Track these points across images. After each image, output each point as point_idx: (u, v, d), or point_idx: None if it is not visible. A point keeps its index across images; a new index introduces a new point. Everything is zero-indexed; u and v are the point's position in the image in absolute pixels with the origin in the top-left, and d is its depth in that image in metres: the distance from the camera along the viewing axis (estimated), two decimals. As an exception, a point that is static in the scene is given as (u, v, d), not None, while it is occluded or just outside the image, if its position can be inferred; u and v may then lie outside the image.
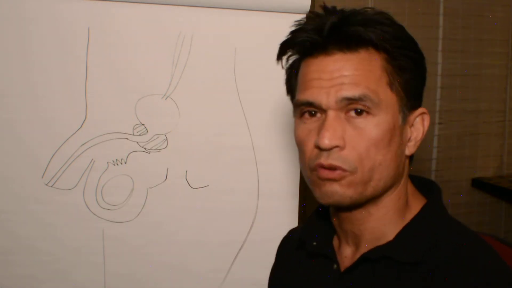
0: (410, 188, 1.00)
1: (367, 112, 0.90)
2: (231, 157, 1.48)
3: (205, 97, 1.46)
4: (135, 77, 1.43)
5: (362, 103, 0.89)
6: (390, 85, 0.91)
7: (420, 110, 0.97)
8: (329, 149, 0.90)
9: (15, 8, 1.38)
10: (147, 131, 1.46)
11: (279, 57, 1.00)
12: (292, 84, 1.01)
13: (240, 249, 1.51)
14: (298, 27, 0.96)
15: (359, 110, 0.90)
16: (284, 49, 0.98)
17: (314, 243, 1.05)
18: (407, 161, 0.99)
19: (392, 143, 0.92)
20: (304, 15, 1.45)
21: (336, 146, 0.90)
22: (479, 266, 0.89)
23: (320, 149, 0.91)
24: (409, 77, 0.93)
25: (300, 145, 0.97)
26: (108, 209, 1.46)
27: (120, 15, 1.42)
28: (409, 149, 0.96)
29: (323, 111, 0.91)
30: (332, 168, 0.90)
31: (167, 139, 1.46)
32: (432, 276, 0.90)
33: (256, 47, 1.46)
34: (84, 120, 1.43)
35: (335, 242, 1.05)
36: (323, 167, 0.91)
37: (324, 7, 0.94)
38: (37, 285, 1.45)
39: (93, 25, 1.41)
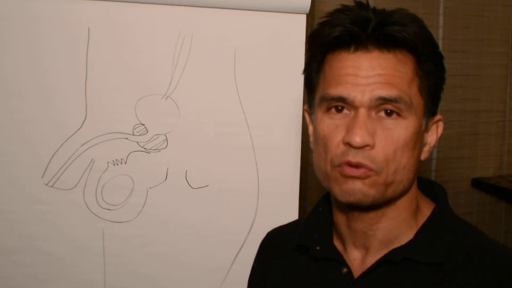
0: (418, 190, 1.00)
1: (398, 114, 0.89)
2: (231, 157, 1.48)
3: (205, 97, 1.46)
4: (135, 77, 1.43)
5: (396, 104, 0.89)
6: (420, 89, 0.91)
7: (438, 116, 0.97)
8: (359, 147, 0.88)
9: (16, 9, 1.38)
10: (147, 131, 1.46)
11: (311, 50, 0.97)
12: (312, 77, 0.98)
13: (240, 249, 1.51)
14: (330, 20, 0.92)
15: (389, 111, 0.89)
16: (317, 40, 0.94)
17: (317, 248, 1.03)
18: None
19: (416, 147, 0.92)
20: (305, 15, 1.45)
21: (367, 145, 0.88)
22: (501, 264, 0.90)
23: (349, 146, 0.89)
24: (435, 81, 0.93)
25: (323, 139, 0.93)
26: (108, 209, 1.46)
27: (120, 15, 1.42)
28: (424, 155, 0.97)
29: (354, 107, 0.90)
30: (359, 166, 0.89)
31: (167, 139, 1.46)
32: (455, 276, 0.90)
33: (256, 47, 1.46)
34: (84, 120, 1.43)
35: (338, 244, 1.03)
36: (350, 164, 0.89)
37: (358, 2, 0.93)
38: (37, 285, 1.45)
39: (93, 25, 1.41)
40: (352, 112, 0.90)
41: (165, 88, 1.45)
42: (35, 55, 1.40)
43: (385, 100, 0.89)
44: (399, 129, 0.89)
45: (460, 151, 2.55)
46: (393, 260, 0.93)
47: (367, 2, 0.93)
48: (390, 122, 0.89)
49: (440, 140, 0.98)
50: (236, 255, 1.51)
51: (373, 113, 0.89)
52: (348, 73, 0.90)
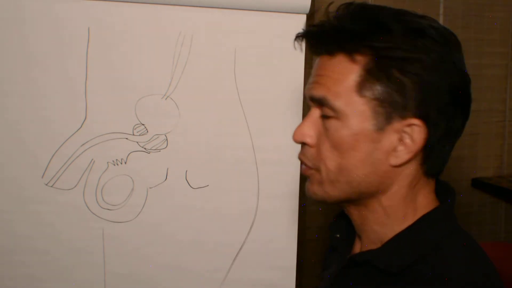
0: (426, 196, 0.98)
1: (331, 115, 0.92)
2: (231, 157, 1.48)
3: (205, 97, 1.46)
4: (135, 77, 1.43)
5: (325, 104, 0.91)
6: (362, 91, 0.90)
7: (410, 120, 0.91)
8: (298, 143, 0.96)
9: (15, 9, 1.38)
10: (147, 131, 1.46)
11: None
12: None
13: (240, 249, 1.51)
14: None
15: (325, 114, 0.92)
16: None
17: (338, 235, 1.06)
18: (407, 171, 0.95)
19: (358, 149, 0.91)
20: (305, 15, 1.45)
21: (304, 143, 0.95)
22: (458, 285, 0.87)
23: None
24: (391, 85, 0.90)
25: None
26: (108, 209, 1.46)
27: (120, 15, 1.42)
28: (395, 160, 0.93)
29: None
30: (302, 163, 0.97)
31: (167, 139, 1.46)
32: None
33: (256, 47, 1.46)
34: (84, 120, 1.43)
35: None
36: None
37: (326, 8, 0.94)
38: (37, 285, 1.45)
39: (93, 25, 1.41)
40: None
41: (165, 88, 1.45)
42: (35, 55, 1.40)
43: (313, 100, 0.93)
44: (333, 130, 0.92)
45: (460, 151, 2.55)
46: (356, 261, 0.94)
47: (325, 9, 0.95)
48: (327, 122, 0.93)
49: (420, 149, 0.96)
50: (236, 255, 1.51)
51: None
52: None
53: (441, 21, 2.45)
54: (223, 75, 1.46)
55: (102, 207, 1.46)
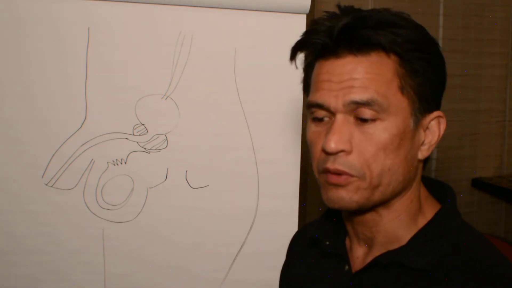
0: (423, 191, 0.99)
1: (376, 117, 0.89)
2: (231, 157, 1.48)
3: (205, 97, 1.46)
4: (135, 77, 1.43)
5: (370, 107, 0.88)
6: (401, 88, 0.90)
7: (436, 113, 0.95)
8: (335, 153, 0.89)
9: (15, 8, 1.38)
10: (147, 131, 1.46)
11: (291, 58, 0.98)
12: (308, 83, 1.00)
13: (240, 249, 1.51)
14: (312, 27, 0.93)
15: (366, 118, 0.89)
16: (296, 51, 0.97)
17: (327, 242, 1.04)
18: (420, 164, 0.97)
19: (402, 147, 0.91)
20: (305, 15, 1.45)
21: (342, 151, 0.89)
22: (492, 277, 0.88)
23: (326, 153, 0.90)
24: (423, 80, 0.91)
25: (310, 147, 0.95)
26: (108, 209, 1.46)
27: (120, 15, 1.42)
28: (422, 153, 0.95)
29: (332, 114, 0.90)
30: (338, 173, 0.89)
31: (167, 139, 1.46)
32: (443, 285, 0.89)
33: (256, 47, 1.46)
34: (84, 120, 1.43)
35: (347, 241, 1.04)
36: (330, 171, 0.90)
37: (339, 7, 0.92)
38: (37, 285, 1.45)
39: (93, 25, 1.41)
40: (332, 119, 0.91)
41: (165, 88, 1.45)
42: (35, 56, 1.40)
43: (358, 104, 0.89)
44: (378, 132, 0.89)
45: (460, 151, 2.55)
46: (382, 263, 0.94)
47: (351, 6, 0.93)
48: (368, 125, 0.89)
49: (440, 140, 0.96)
50: (236, 255, 1.51)
51: (351, 118, 0.90)
52: (323, 79, 0.91)
53: (441, 21, 2.45)
54: (223, 75, 1.46)
55: (102, 207, 1.46)
